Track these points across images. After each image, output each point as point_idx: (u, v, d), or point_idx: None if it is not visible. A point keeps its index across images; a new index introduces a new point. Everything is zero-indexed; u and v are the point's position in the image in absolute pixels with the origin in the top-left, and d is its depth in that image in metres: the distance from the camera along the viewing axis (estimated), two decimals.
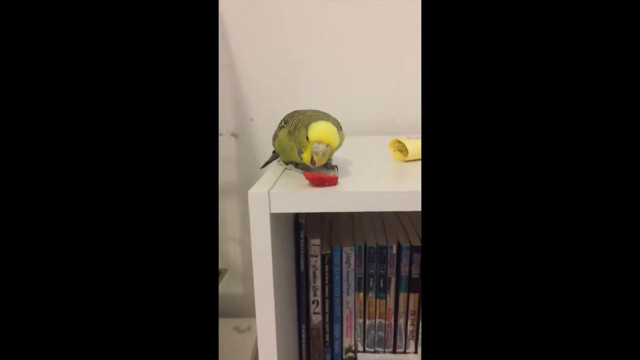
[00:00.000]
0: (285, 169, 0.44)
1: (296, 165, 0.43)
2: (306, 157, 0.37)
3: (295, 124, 0.39)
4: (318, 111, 0.41)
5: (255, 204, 0.34)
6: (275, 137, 0.44)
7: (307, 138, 0.36)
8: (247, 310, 0.77)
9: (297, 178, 0.40)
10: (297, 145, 0.38)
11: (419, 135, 0.48)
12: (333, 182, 0.36)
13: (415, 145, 0.45)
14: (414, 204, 0.34)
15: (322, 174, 0.36)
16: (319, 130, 0.36)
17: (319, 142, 0.36)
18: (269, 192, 0.34)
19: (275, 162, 0.48)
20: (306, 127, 0.37)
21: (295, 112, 0.42)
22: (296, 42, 0.68)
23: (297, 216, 0.53)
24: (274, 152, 0.50)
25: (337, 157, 0.48)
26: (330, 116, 0.41)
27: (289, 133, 0.39)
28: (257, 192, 0.34)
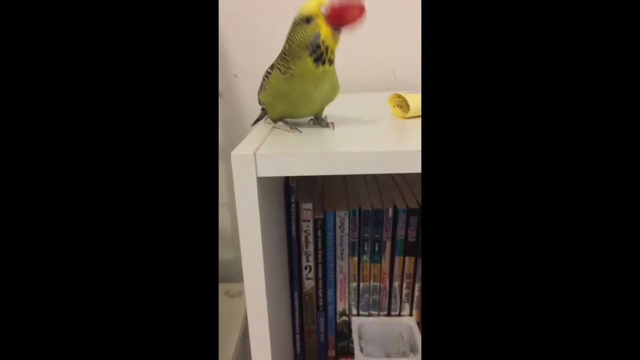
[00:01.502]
0: (274, 127, 0.40)
1: (285, 122, 0.39)
2: (326, 32, 0.32)
3: (282, 57, 0.35)
4: None
5: (240, 167, 0.31)
6: (261, 89, 0.40)
7: (309, 20, 0.32)
8: (237, 275, 0.76)
9: (286, 136, 0.36)
10: (306, 46, 0.33)
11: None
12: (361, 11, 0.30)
13: (417, 100, 0.40)
14: (415, 165, 0.31)
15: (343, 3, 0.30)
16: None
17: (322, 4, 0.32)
18: (255, 154, 0.30)
19: (263, 120, 0.44)
20: (297, 24, 0.33)
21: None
22: None
23: (287, 179, 0.50)
24: (262, 109, 0.46)
25: (331, 115, 0.44)
26: None
27: (284, 71, 0.35)
28: (242, 153, 0.31)
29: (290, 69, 0.35)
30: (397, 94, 0.42)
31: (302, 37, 0.34)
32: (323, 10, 0.32)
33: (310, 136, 0.36)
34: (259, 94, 0.41)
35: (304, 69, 0.34)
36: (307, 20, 0.33)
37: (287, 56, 0.35)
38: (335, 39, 0.34)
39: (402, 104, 0.42)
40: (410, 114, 0.41)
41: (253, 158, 0.30)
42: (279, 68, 0.36)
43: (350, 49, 0.63)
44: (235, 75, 0.65)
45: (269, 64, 0.40)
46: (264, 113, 0.46)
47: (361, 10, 0.31)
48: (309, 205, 0.52)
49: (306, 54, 0.34)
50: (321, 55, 0.34)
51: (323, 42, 0.33)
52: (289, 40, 0.35)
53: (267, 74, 0.38)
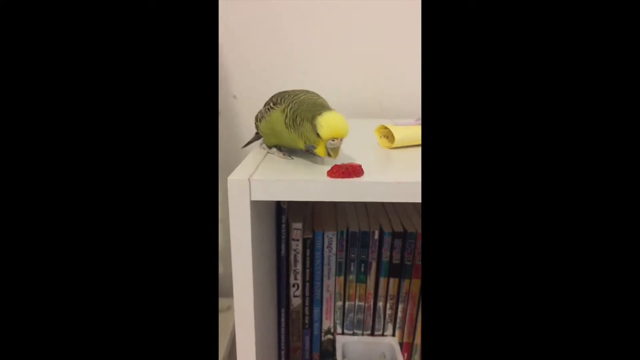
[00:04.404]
0: (268, 152, 0.42)
1: (279, 148, 0.42)
2: (321, 152, 0.36)
3: (293, 114, 0.37)
4: (309, 92, 0.39)
5: (235, 191, 0.33)
6: (260, 118, 0.42)
7: (318, 135, 0.34)
8: (226, 290, 0.77)
9: (280, 163, 0.39)
10: (304, 140, 0.36)
11: (407, 120, 0.47)
12: (359, 173, 0.34)
13: (402, 132, 0.44)
14: (399, 195, 0.34)
15: (344, 167, 0.34)
16: (330, 127, 0.34)
17: (334, 138, 0.34)
18: (249, 179, 0.33)
19: (257, 144, 0.47)
20: (311, 122, 0.35)
21: (284, 93, 0.40)
22: (284, 18, 0.65)
23: (279, 201, 0.52)
24: (256, 133, 0.49)
25: None
26: (322, 98, 0.39)
27: (288, 125, 0.37)
28: (237, 178, 0.33)
29: (292, 127, 0.37)
30: (383, 125, 0.46)
31: (305, 133, 0.35)
32: (328, 146, 0.35)
33: (302, 164, 0.38)
34: (257, 120, 0.43)
35: (299, 141, 0.37)
36: (318, 134, 0.34)
37: (295, 116, 0.36)
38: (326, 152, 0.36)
39: (388, 135, 0.45)
40: (395, 145, 0.44)
41: (248, 183, 0.33)
42: (286, 114, 0.37)
43: (342, 78, 0.67)
44: (234, 97, 0.69)
45: (268, 86, 0.42)
46: (257, 137, 0.48)
47: (358, 173, 0.34)
48: (299, 225, 0.54)
49: (302, 141, 0.36)
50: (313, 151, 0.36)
51: (316, 152, 0.36)
52: (300, 113, 0.36)
53: (270, 108, 0.39)
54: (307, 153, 0.42)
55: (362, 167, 0.35)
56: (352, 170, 0.34)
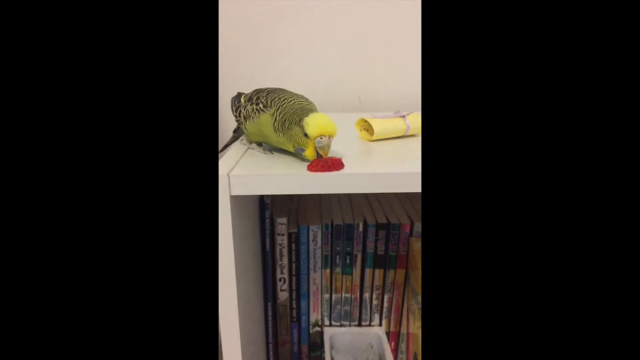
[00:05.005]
0: (249, 147, 0.42)
1: (260, 144, 0.42)
2: (310, 154, 0.36)
3: (282, 118, 0.37)
4: (298, 96, 0.39)
5: None
6: (247, 117, 0.41)
7: (306, 135, 0.35)
8: None
9: (260, 158, 0.39)
10: (293, 143, 0.36)
11: (385, 114, 0.47)
12: (339, 167, 0.35)
13: (381, 125, 0.44)
14: (382, 186, 0.34)
15: (324, 161, 0.34)
16: (317, 125, 0.34)
17: (321, 136, 0.35)
18: (228, 174, 0.33)
19: (238, 140, 0.47)
20: (299, 124, 0.35)
21: (272, 94, 0.39)
22: (265, 15, 0.64)
23: (262, 196, 0.52)
24: (234, 131, 0.49)
25: None
26: (312, 103, 0.39)
27: (277, 129, 0.37)
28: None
29: (281, 132, 0.37)
30: (363, 119, 0.46)
31: (294, 137, 0.36)
32: (316, 144, 0.35)
33: (282, 158, 0.39)
34: (242, 116, 0.42)
35: (289, 144, 0.37)
36: (306, 135, 0.35)
37: (283, 120, 0.36)
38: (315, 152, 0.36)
39: (368, 127, 0.46)
40: (375, 137, 0.44)
41: (227, 178, 0.33)
42: (275, 118, 0.37)
43: (321, 74, 0.67)
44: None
45: (249, 83, 0.41)
46: (235, 137, 0.48)
47: (338, 167, 0.35)
48: (284, 220, 0.54)
49: (291, 144, 0.37)
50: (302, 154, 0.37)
51: (305, 155, 0.36)
52: (289, 117, 0.36)
53: (260, 110, 0.39)
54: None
55: (343, 160, 0.35)
56: (332, 164, 0.34)
